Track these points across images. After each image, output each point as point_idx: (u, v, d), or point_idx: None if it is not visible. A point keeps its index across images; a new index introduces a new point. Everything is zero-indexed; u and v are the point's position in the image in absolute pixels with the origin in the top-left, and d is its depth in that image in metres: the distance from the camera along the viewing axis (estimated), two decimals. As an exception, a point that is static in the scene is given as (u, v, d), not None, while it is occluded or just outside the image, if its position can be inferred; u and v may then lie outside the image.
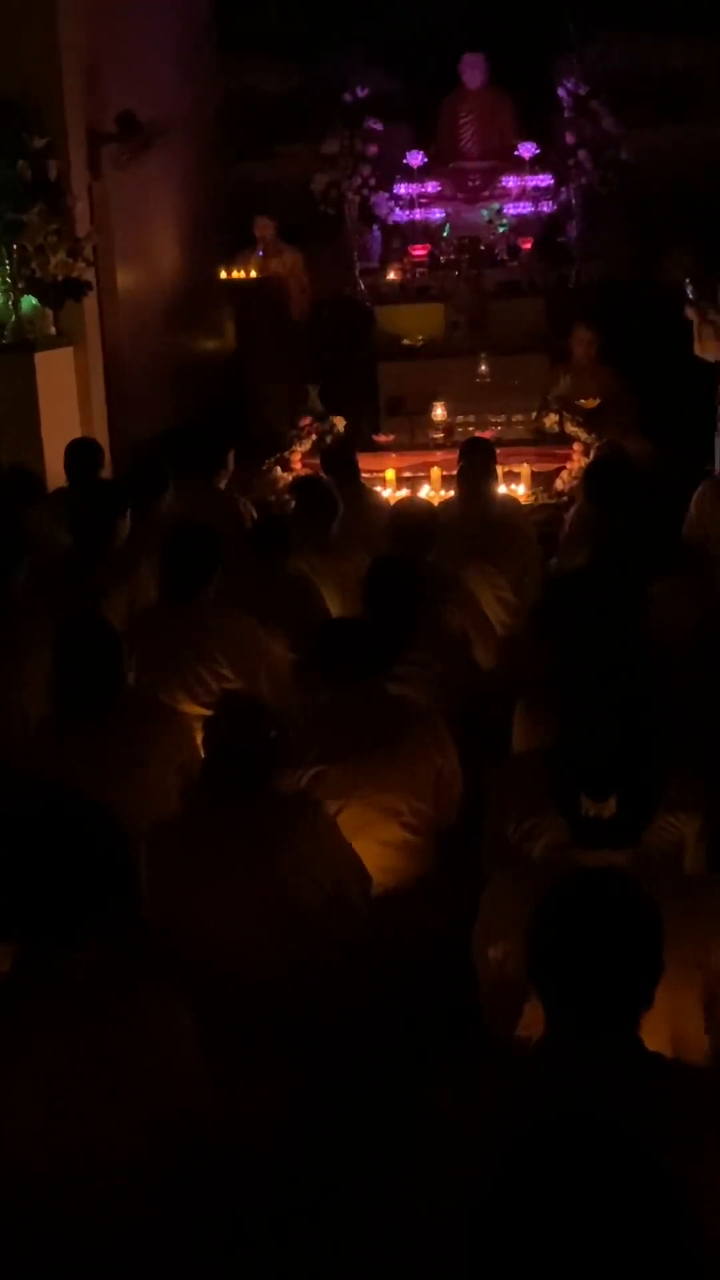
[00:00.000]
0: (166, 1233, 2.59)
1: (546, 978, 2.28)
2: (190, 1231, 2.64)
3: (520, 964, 2.43)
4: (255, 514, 7.21)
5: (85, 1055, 2.52)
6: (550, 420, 9.89)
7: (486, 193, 12.14)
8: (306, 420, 10.21)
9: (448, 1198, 2.11)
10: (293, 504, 6.94)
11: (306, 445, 10.00)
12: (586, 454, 9.21)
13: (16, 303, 8.68)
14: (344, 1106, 3.30)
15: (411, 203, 12.07)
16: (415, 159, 12.02)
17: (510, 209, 11.91)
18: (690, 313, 8.87)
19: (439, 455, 9.30)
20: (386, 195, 11.97)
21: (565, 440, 9.68)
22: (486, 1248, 1.64)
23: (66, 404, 8.96)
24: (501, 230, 11.80)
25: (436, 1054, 3.08)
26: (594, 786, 2.76)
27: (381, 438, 10.25)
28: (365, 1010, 3.49)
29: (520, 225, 11.89)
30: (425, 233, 12.02)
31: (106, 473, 7.72)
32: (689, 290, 8.90)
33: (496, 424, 10.13)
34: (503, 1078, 2.32)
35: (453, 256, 11.78)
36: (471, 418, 10.22)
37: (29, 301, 8.68)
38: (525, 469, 9.04)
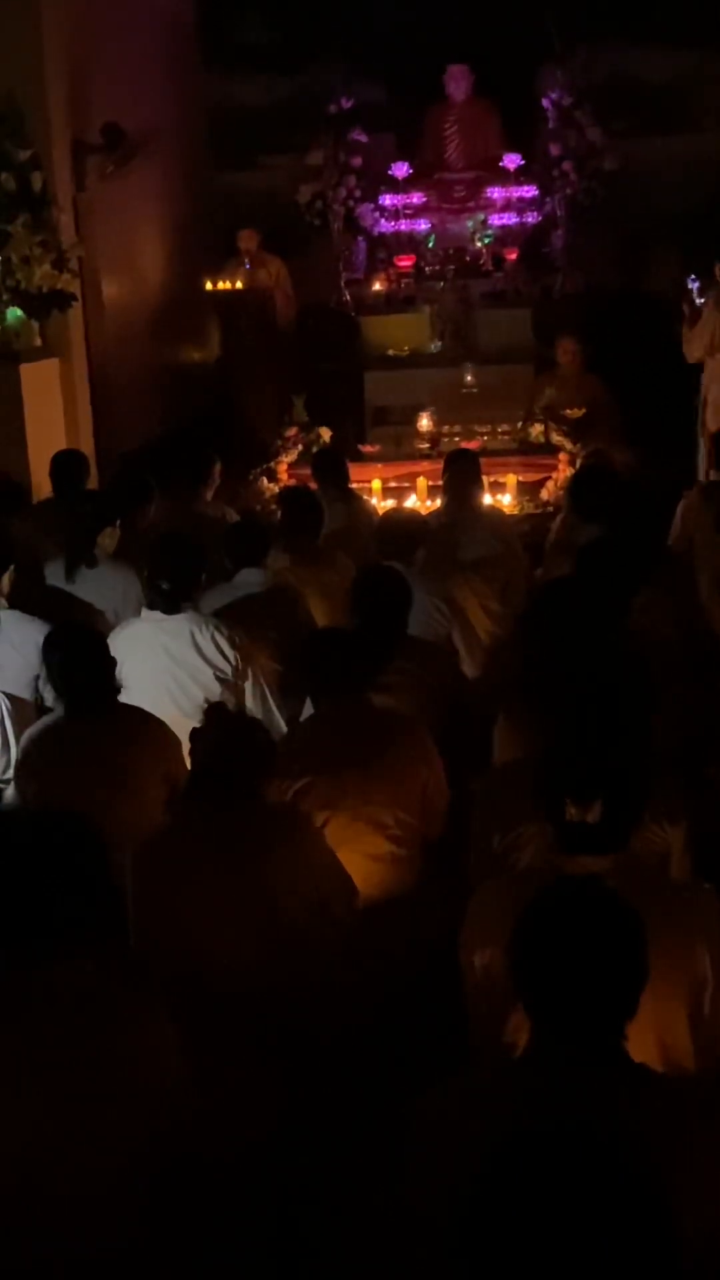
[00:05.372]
0: (154, 1243, 2.58)
1: (529, 989, 2.28)
2: (178, 1241, 2.64)
3: (505, 970, 2.43)
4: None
5: (68, 1068, 2.51)
6: (536, 430, 9.90)
7: (471, 203, 12.17)
8: (292, 431, 10.21)
9: (435, 1208, 2.11)
10: (278, 514, 6.94)
11: (292, 456, 9.99)
12: (572, 464, 9.23)
13: (1, 314, 8.67)
14: (332, 1117, 3.29)
15: (396, 213, 12.09)
16: (400, 170, 12.04)
17: (495, 219, 11.94)
18: (685, 307, 8.93)
19: (425, 465, 9.31)
20: (371, 206, 11.99)
21: (551, 450, 9.70)
22: (472, 1258, 1.65)
23: (52, 415, 8.96)
24: (486, 241, 11.83)
25: (424, 1064, 3.07)
26: (579, 792, 2.77)
27: (367, 448, 10.25)
28: (353, 1021, 3.49)
29: (505, 236, 11.93)
30: (410, 243, 12.04)
31: (92, 484, 7.72)
32: (690, 283, 8.96)
33: (482, 434, 10.14)
34: (489, 1089, 2.32)
35: (438, 267, 11.81)
36: (457, 428, 10.22)
37: (14, 313, 8.67)
38: (511, 479, 9.06)
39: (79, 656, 4.27)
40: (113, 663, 4.32)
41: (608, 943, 2.25)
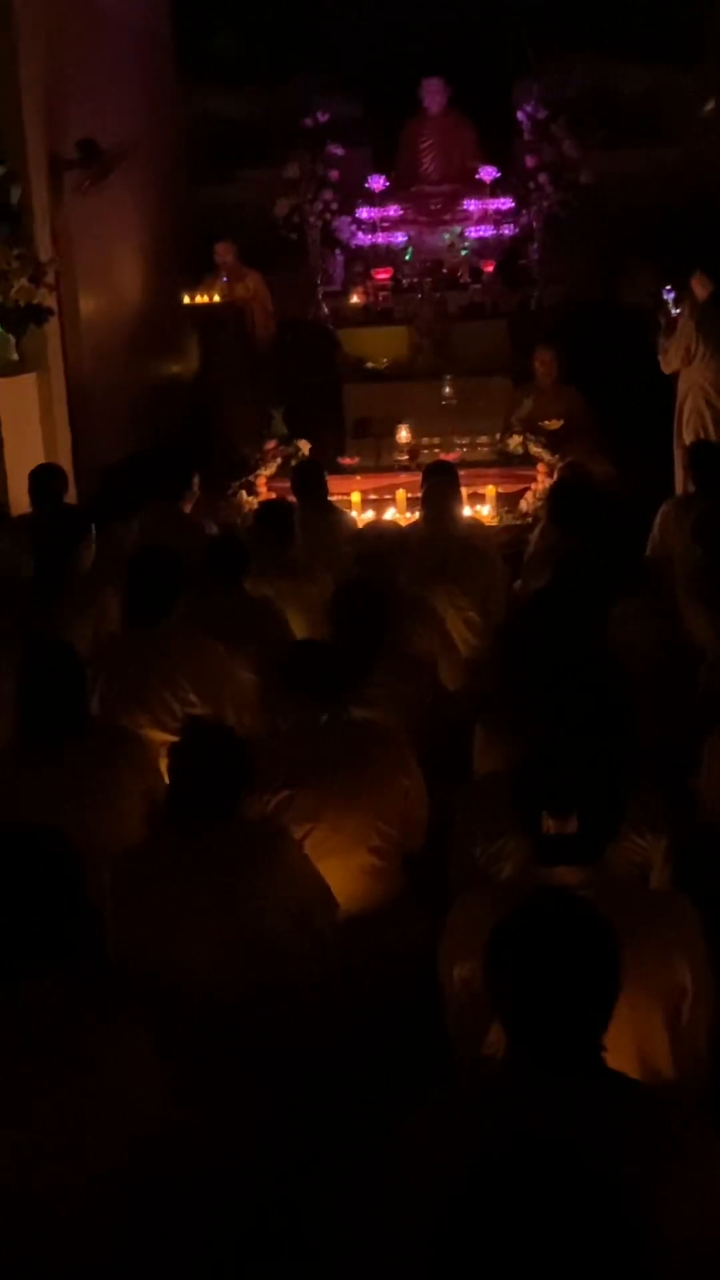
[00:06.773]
0: (137, 1252, 2.58)
1: (504, 1003, 2.29)
2: (161, 1251, 2.64)
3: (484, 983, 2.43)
4: (219, 537, 7.20)
5: (48, 1085, 2.51)
6: (514, 442, 9.93)
7: (448, 216, 12.21)
8: (271, 444, 10.22)
9: (414, 1222, 2.11)
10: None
11: (271, 469, 10.01)
12: (550, 475, 9.26)
13: (-21, 330, 8.66)
14: (314, 1129, 3.29)
15: (373, 226, 12.13)
16: (377, 183, 12.07)
17: (472, 232, 11.98)
18: (662, 318, 8.98)
19: (404, 477, 9.34)
20: (348, 219, 12.01)
21: (529, 461, 9.73)
22: (449, 1272, 1.65)
23: (30, 430, 8.93)
24: (463, 253, 11.86)
25: (405, 1076, 3.07)
26: (555, 804, 2.77)
27: (346, 460, 10.26)
28: (334, 1034, 3.48)
29: (482, 248, 11.96)
30: (388, 256, 12.07)
31: (70, 498, 7.71)
32: (666, 294, 9.01)
33: (461, 446, 10.17)
34: (467, 1103, 2.32)
35: (415, 279, 11.83)
36: (436, 440, 10.25)
37: (-9, 328, 8.66)
38: (490, 490, 9.09)
39: (52, 675, 4.20)
40: (84, 680, 4.28)
41: (579, 955, 2.25)
